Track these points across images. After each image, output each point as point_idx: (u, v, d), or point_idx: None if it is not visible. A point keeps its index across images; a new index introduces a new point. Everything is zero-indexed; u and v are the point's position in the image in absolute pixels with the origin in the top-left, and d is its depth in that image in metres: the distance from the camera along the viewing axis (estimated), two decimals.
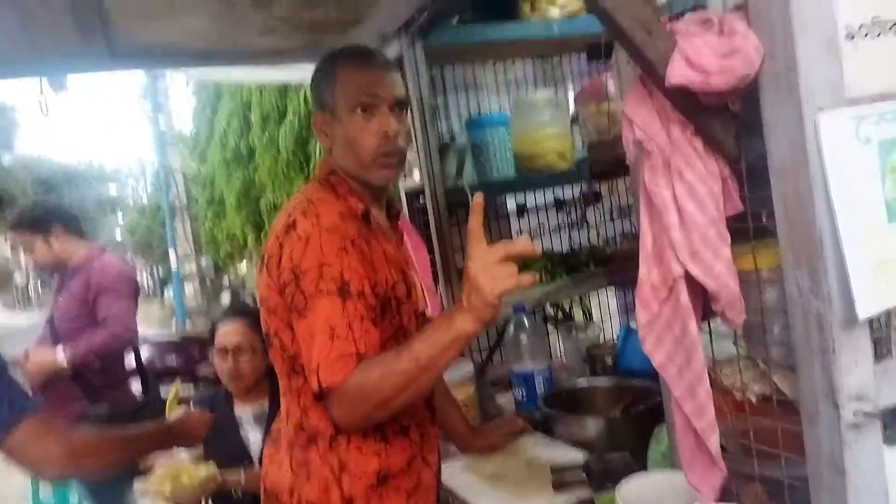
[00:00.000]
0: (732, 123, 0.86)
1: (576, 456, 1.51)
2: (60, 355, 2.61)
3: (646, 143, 0.86)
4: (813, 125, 0.76)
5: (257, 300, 1.30)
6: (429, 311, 1.40)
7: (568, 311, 2.46)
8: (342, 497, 1.17)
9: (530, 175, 2.09)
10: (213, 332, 2.11)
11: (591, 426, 1.60)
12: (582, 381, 1.86)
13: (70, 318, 2.71)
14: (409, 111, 1.34)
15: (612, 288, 2.50)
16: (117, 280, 2.75)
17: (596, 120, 2.23)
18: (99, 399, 2.69)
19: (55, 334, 2.72)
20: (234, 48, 2.01)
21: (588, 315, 2.43)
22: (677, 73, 0.80)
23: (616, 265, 2.24)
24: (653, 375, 1.85)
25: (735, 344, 0.98)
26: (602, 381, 1.83)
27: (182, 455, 1.90)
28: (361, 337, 1.12)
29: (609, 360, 2.05)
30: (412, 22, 1.88)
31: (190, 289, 14.21)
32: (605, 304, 2.54)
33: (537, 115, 2.13)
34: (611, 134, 2.08)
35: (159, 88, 13.48)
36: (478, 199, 1.06)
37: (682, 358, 0.90)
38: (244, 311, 2.14)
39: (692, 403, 0.89)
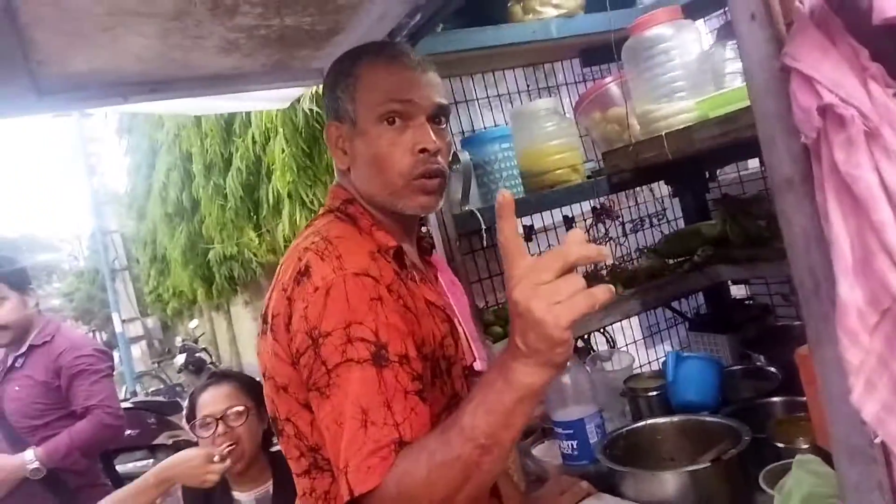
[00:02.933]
0: None
1: None
2: (31, 460, 2.17)
3: (840, 108, 0.61)
4: None
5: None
6: (478, 365, 1.12)
7: (586, 339, 2.20)
8: None
9: (542, 193, 1.85)
10: (192, 407, 1.77)
11: (671, 481, 1.32)
12: (639, 424, 1.59)
13: (33, 412, 2.25)
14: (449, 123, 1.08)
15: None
16: (93, 358, 2.32)
17: (603, 128, 2.01)
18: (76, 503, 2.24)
19: (10, 433, 2.26)
20: (184, 73, 1.70)
21: (612, 342, 2.17)
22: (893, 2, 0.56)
23: (641, 285, 2.00)
24: (714, 408, 1.65)
25: None
26: (663, 422, 1.56)
27: None
28: (406, 419, 0.82)
29: (654, 394, 1.80)
30: (400, 29, 1.62)
31: (137, 351, 13.55)
32: (625, 326, 2.30)
33: (540, 126, 1.90)
34: (625, 140, 1.87)
35: (91, 151, 13.03)
36: (504, 195, 0.76)
37: None
38: (227, 375, 1.83)
39: None
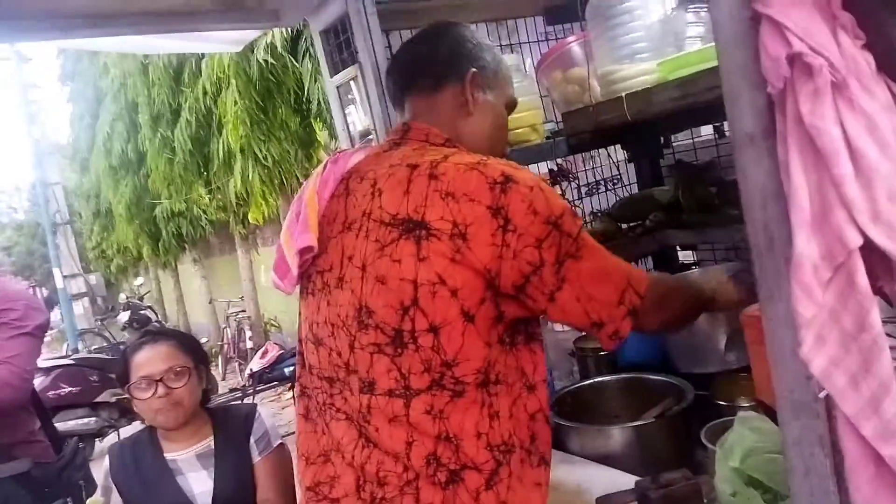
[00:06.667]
0: None
1: (616, 478, 1.25)
2: None
3: (809, 58, 0.60)
4: None
5: (382, 284, 1.00)
6: None
7: None
8: None
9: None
10: (125, 363, 1.68)
11: (618, 437, 1.35)
12: (586, 382, 1.61)
13: None
14: None
15: None
16: (20, 313, 2.14)
17: (564, 88, 1.99)
18: (7, 460, 2.12)
19: None
20: (131, 6, 1.59)
21: None
22: None
23: None
24: (658, 368, 1.68)
25: None
26: (610, 380, 1.59)
27: None
28: None
29: (602, 354, 1.82)
30: None
31: (79, 308, 13.14)
32: None
33: None
34: (585, 101, 1.86)
35: (32, 98, 12.38)
36: None
37: (855, 362, 0.65)
38: (163, 333, 1.76)
39: (875, 422, 0.65)
